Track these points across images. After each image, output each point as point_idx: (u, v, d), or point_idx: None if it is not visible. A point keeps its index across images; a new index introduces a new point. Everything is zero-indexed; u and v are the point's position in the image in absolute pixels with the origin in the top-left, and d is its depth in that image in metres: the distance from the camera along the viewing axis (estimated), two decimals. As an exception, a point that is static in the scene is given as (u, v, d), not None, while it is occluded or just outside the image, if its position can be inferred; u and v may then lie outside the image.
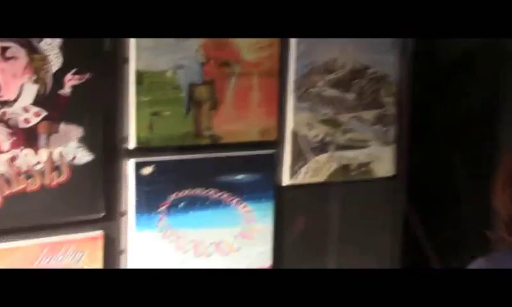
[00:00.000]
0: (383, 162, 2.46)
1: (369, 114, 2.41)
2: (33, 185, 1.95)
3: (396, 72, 2.42)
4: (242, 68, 2.19)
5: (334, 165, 2.38)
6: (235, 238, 2.25)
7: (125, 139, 2.07)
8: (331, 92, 2.34)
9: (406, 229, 2.57)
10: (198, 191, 2.18)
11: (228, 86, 2.18)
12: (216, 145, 2.19)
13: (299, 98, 2.28)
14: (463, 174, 2.82)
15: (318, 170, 2.36)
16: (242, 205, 2.24)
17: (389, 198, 2.50)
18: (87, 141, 2.00)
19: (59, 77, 1.94)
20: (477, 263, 1.48)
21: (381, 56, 2.40)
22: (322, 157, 2.36)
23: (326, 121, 2.34)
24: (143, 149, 2.09)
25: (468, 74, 2.76)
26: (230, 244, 2.25)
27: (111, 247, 2.09)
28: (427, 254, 2.68)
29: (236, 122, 2.20)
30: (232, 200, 2.22)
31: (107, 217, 2.07)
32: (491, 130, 2.82)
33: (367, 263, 2.43)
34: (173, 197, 2.14)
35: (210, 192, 2.19)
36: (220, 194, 2.21)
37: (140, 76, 2.04)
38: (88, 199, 2.03)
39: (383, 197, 2.49)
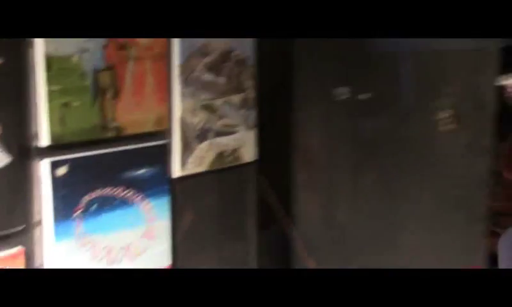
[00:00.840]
0: (248, 147, 2.43)
1: (236, 98, 2.36)
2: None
3: (254, 55, 2.41)
4: (137, 52, 2.00)
5: (213, 153, 2.29)
6: (141, 240, 2.05)
7: (36, 136, 1.77)
8: (208, 76, 2.25)
9: (268, 211, 2.58)
10: (107, 190, 1.95)
11: (126, 71, 1.98)
12: (120, 138, 1.97)
13: (184, 83, 2.16)
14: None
15: (201, 159, 2.25)
16: (144, 202, 2.05)
17: (254, 183, 2.48)
18: (4, 140, 1.67)
19: (-31, 63, 1.60)
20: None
21: (242, 38, 2.36)
22: (204, 145, 2.25)
23: (205, 107, 2.24)
24: (55, 146, 1.80)
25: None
26: (136, 247, 2.04)
27: (31, 262, 1.77)
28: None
29: (135, 111, 2.01)
30: (136, 198, 2.02)
31: (26, 229, 1.75)
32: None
33: (244, 248, 2.41)
34: (86, 199, 1.88)
35: (118, 191, 1.97)
36: (126, 192, 2.00)
37: (49, 61, 1.76)
38: (8, 210, 1.70)
39: (251, 183, 2.46)
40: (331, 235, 2.95)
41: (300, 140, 2.87)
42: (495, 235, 1.62)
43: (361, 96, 2.86)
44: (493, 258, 1.63)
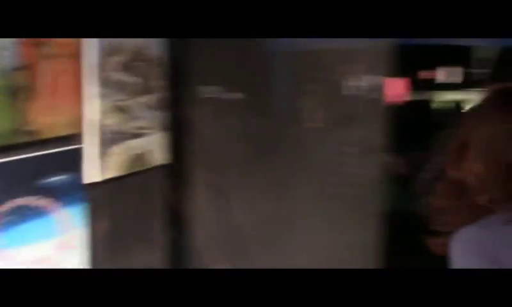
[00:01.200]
0: (160, 149, 2.34)
1: (148, 99, 2.26)
2: None
3: (166, 55, 2.32)
4: (52, 50, 1.87)
5: (126, 157, 2.18)
6: (58, 250, 1.92)
7: None
8: (121, 76, 2.14)
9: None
10: (22, 200, 1.80)
11: (41, 71, 1.84)
12: (35, 142, 1.83)
13: (97, 83, 2.04)
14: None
15: (115, 163, 2.14)
16: (60, 211, 1.92)
17: (164, 186, 2.40)
18: None
19: None
20: (470, 230, 1.48)
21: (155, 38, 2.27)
22: (118, 148, 2.14)
23: (118, 108, 2.14)
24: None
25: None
26: (54, 258, 1.91)
27: None
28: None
29: (50, 114, 1.88)
30: (52, 206, 1.89)
31: None
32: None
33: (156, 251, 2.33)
34: (4, 209, 1.74)
35: (33, 200, 1.83)
36: (42, 200, 1.86)
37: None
38: None
39: (161, 186, 2.38)
40: (225, 235, 2.89)
41: (194, 141, 2.81)
42: (437, 235, 1.60)
43: (252, 96, 2.82)
44: (437, 258, 1.61)
